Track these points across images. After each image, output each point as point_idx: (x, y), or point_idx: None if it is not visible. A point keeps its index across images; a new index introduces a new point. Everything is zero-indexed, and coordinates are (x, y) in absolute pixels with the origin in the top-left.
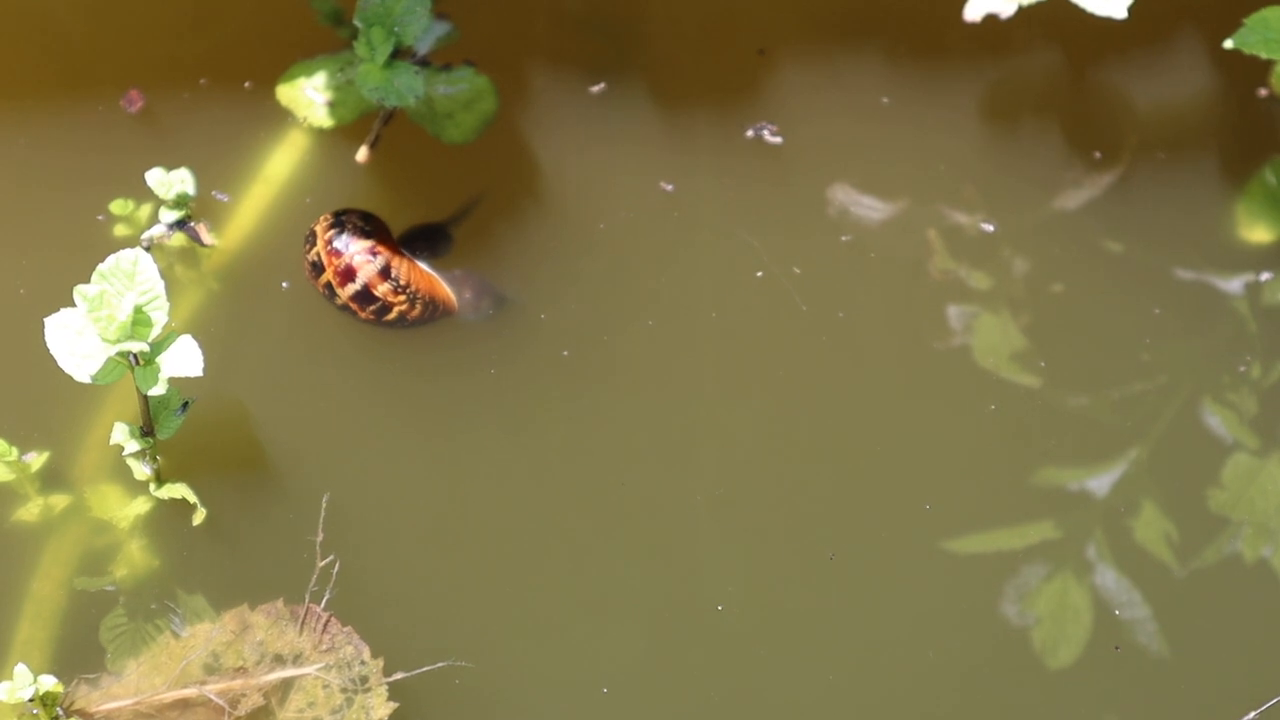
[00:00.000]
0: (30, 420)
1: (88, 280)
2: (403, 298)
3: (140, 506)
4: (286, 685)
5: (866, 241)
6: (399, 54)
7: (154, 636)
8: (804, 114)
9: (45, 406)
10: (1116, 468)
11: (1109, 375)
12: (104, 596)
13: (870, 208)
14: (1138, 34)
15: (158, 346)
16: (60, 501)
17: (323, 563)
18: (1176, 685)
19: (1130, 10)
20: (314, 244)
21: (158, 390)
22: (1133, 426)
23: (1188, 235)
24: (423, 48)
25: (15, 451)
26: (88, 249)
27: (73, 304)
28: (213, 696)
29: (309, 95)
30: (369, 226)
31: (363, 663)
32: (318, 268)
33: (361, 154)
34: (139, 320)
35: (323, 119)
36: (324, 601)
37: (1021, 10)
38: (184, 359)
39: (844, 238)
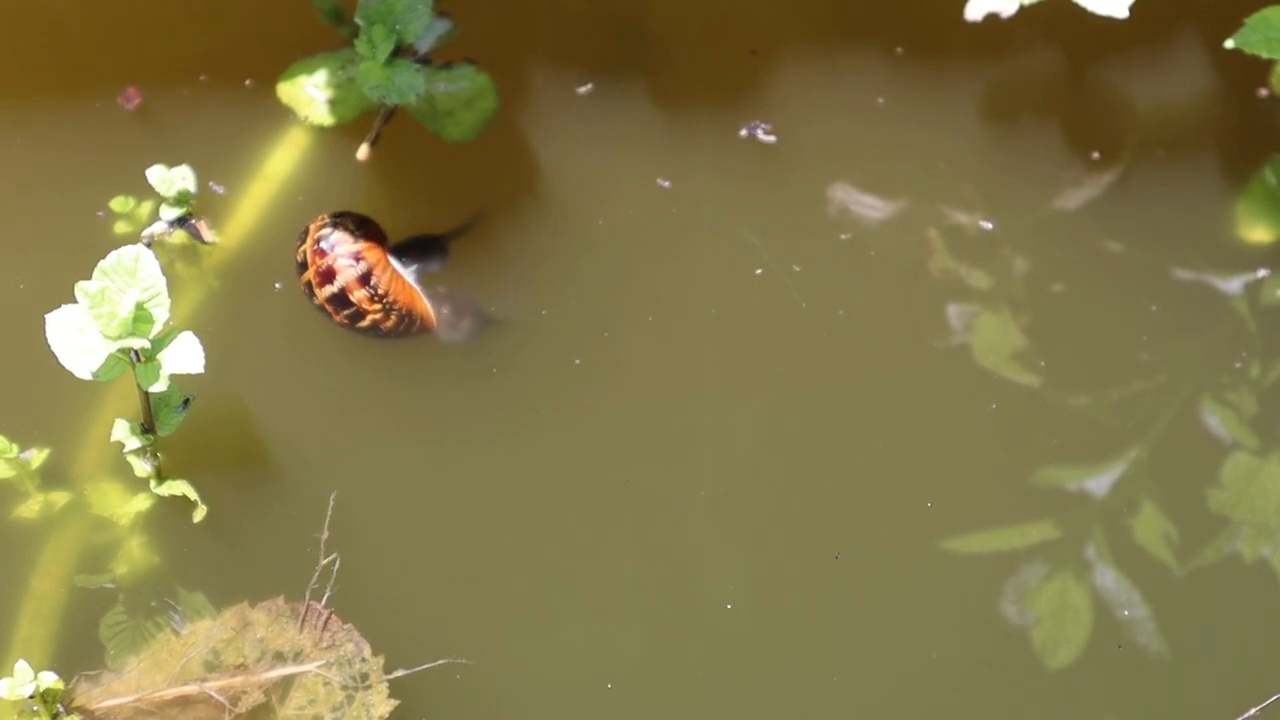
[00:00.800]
0: (30, 417)
1: (87, 277)
2: (378, 307)
3: (140, 503)
4: (287, 682)
5: (866, 240)
6: (400, 52)
7: (154, 633)
8: (805, 112)
9: (45, 403)
10: (1116, 467)
11: (1109, 375)
12: (104, 593)
13: (870, 207)
14: (1138, 34)
15: (159, 343)
16: (61, 498)
17: (325, 561)
18: (1176, 684)
19: (1131, 10)
20: (304, 241)
21: (159, 387)
22: (1132, 426)
23: (1187, 235)
24: (424, 46)
25: (15, 448)
26: (87, 246)
27: (73, 300)
28: (213, 693)
29: (310, 93)
30: (361, 231)
31: (363, 660)
32: (303, 265)
33: (362, 152)
34: (140, 317)
35: (323, 117)
36: (324, 599)
37: (1022, 9)
38: (185, 356)
39: (844, 236)
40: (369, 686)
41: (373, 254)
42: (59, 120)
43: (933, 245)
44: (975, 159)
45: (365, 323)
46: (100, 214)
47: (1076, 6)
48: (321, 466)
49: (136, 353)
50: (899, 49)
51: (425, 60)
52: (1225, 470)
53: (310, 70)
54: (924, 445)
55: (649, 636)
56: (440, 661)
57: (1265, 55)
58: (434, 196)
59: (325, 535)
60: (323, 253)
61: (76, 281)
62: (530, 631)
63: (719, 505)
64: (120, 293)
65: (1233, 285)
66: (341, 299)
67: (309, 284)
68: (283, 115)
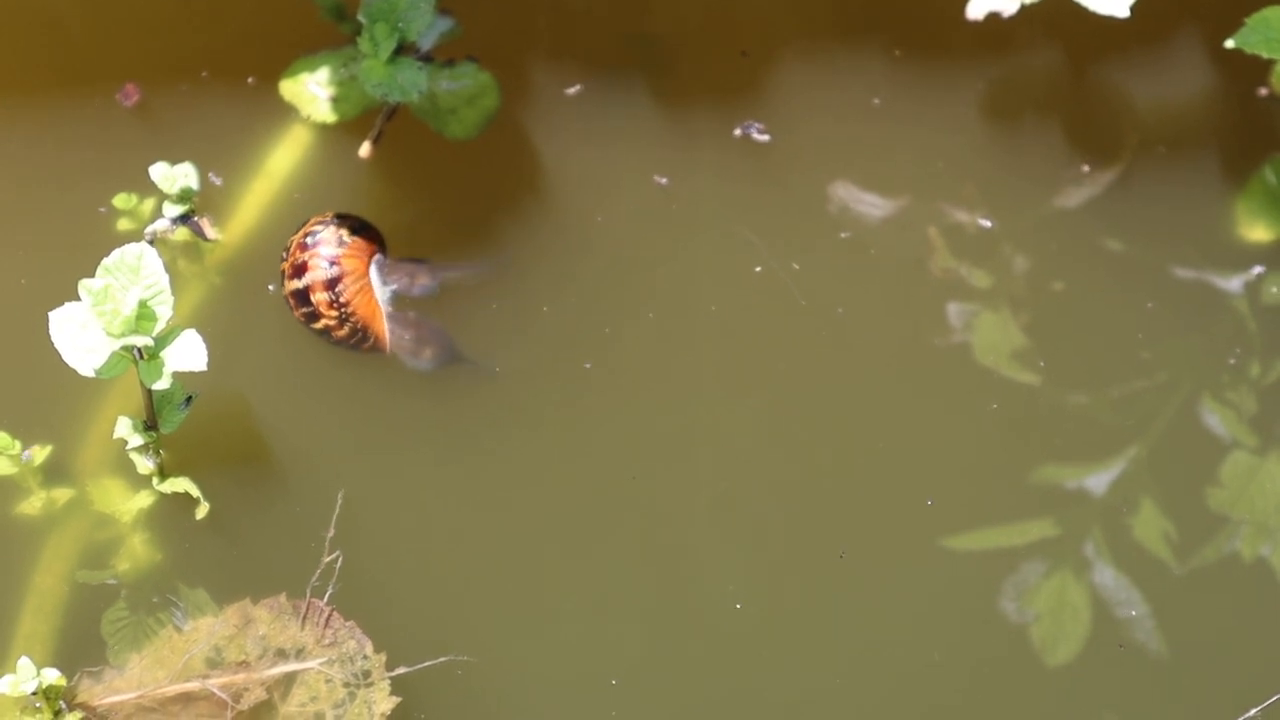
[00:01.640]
0: (33, 414)
1: (88, 274)
2: (335, 314)
3: (143, 500)
4: (289, 679)
5: (866, 239)
6: (402, 50)
7: (156, 630)
8: (805, 111)
9: (48, 400)
10: (1116, 466)
11: (1108, 373)
12: (106, 590)
13: (871, 205)
14: (1138, 33)
15: (162, 340)
16: (63, 495)
17: (327, 559)
18: (1175, 683)
19: (1132, 9)
20: (296, 232)
21: (162, 384)
22: (1132, 424)
23: (1187, 234)
24: (426, 43)
25: (18, 445)
26: (88, 243)
27: (76, 298)
28: (215, 690)
29: (312, 90)
30: (351, 238)
31: (365, 657)
32: (284, 254)
33: (364, 149)
34: (143, 314)
35: (326, 114)
36: (326, 596)
37: (1023, 9)
38: (188, 353)
39: (844, 234)
40: (371, 684)
41: (351, 263)
42: (58, 117)
43: (933, 243)
44: (976, 157)
45: (318, 325)
46: (102, 210)
47: (1077, 6)
48: (323, 464)
49: (139, 350)
50: (897, 51)
51: (427, 58)
52: (1225, 469)
53: (313, 68)
54: (924, 443)
55: (649, 635)
56: (442, 659)
57: (1265, 55)
58: (436, 194)
59: (331, 533)
60: (305, 247)
61: (78, 279)
62: (531, 629)
63: (719, 503)
64: (123, 290)
65: (1233, 284)
66: (303, 296)
67: (282, 273)
68: (285, 112)
